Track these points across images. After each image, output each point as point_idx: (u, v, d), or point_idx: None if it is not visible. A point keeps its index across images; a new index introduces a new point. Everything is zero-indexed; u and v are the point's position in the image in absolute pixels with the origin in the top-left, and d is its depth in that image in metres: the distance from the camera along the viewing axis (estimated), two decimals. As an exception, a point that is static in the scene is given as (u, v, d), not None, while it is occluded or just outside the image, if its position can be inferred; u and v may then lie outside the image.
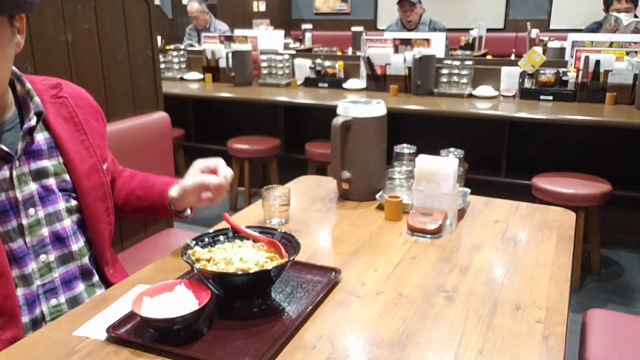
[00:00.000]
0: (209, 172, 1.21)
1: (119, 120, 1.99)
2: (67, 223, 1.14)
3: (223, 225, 1.27)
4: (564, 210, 1.53)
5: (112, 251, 1.30)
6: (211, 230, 1.18)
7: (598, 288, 2.85)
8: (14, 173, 1.05)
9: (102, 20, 1.90)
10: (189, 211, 1.34)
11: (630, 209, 3.21)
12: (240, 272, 0.99)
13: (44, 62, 1.68)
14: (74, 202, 1.16)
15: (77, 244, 1.16)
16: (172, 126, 2.23)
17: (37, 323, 1.10)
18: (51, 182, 1.12)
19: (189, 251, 1.08)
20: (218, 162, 1.21)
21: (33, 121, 1.08)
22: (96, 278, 1.22)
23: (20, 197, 1.06)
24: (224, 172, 1.20)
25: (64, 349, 0.92)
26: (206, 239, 1.14)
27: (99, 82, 1.92)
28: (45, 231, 1.10)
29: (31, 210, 1.07)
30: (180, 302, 0.96)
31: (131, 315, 0.97)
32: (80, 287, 1.17)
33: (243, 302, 1.04)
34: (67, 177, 1.15)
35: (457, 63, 3.57)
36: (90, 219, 1.18)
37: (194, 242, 1.11)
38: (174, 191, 1.28)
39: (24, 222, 1.07)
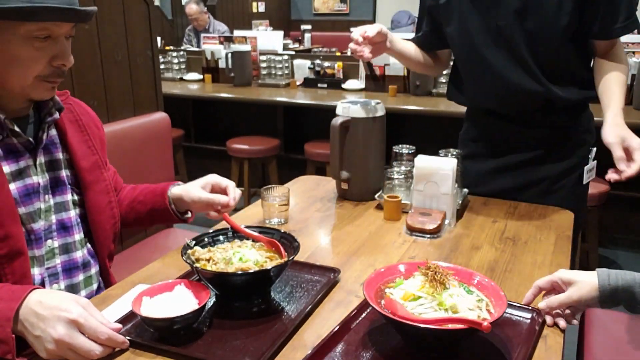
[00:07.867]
0: (220, 191, 1.27)
1: (118, 121, 2.00)
2: (72, 214, 1.19)
3: (223, 225, 1.28)
4: (562, 210, 1.54)
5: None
6: (211, 230, 1.18)
7: (597, 288, 2.85)
8: (37, 161, 1.13)
9: (102, 21, 1.90)
10: (189, 214, 1.36)
11: (628, 209, 3.21)
12: (239, 272, 1.00)
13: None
14: (77, 197, 1.22)
15: (79, 234, 1.21)
16: (172, 126, 2.24)
17: None
18: (62, 174, 1.19)
19: (189, 251, 1.08)
20: (229, 184, 1.28)
21: (56, 115, 1.16)
22: (94, 270, 1.25)
23: (42, 182, 1.13)
24: (234, 195, 1.26)
25: (65, 349, 0.92)
26: (206, 239, 1.15)
27: (98, 82, 1.92)
28: (53, 218, 1.15)
29: (46, 197, 1.14)
30: (180, 302, 0.96)
31: (131, 315, 0.98)
32: (79, 277, 1.21)
33: (243, 302, 1.05)
34: (72, 171, 1.22)
35: (456, 63, 3.57)
36: (91, 211, 1.23)
37: (194, 242, 1.12)
38: (175, 190, 1.32)
39: (42, 206, 1.13)
